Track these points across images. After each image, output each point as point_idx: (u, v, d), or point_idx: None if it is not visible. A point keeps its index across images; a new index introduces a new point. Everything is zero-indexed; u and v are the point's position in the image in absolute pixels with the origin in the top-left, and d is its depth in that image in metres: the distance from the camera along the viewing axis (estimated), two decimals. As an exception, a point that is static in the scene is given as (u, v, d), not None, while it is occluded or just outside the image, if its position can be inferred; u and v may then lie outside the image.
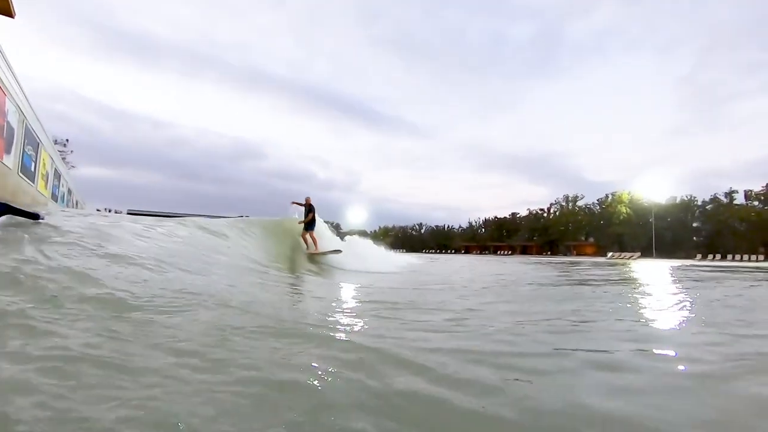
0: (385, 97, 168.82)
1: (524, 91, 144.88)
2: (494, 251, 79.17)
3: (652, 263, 32.54)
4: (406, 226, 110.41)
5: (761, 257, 47.24)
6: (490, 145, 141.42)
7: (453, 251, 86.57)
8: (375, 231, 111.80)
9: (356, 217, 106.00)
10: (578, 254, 64.53)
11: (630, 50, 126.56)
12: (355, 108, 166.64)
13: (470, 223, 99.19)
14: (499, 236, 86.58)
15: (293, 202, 12.07)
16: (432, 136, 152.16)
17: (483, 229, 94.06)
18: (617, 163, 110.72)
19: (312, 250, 11.37)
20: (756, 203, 59.52)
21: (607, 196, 73.53)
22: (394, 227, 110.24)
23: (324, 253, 11.33)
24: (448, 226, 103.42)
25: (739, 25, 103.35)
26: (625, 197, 68.68)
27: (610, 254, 56.55)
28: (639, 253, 55.59)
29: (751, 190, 60.53)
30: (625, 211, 67.57)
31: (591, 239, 71.30)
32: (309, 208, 11.58)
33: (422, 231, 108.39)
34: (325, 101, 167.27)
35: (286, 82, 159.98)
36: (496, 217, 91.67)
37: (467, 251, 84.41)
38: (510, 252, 76.21)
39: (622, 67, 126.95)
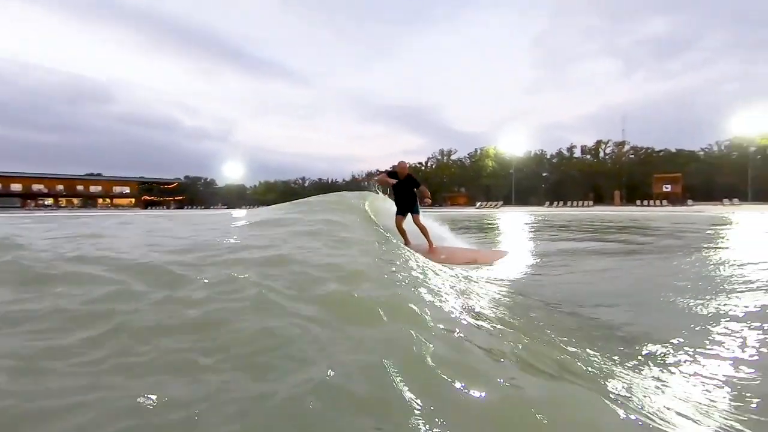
0: (260, 38, 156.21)
1: (403, 41, 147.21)
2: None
3: (511, 211, 37.10)
4: (289, 180, 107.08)
5: (590, 203, 57.22)
6: (372, 94, 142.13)
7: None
8: (255, 186, 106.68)
9: (233, 170, 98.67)
10: (452, 204, 70.41)
11: (497, 7, 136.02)
12: (225, 48, 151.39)
13: (354, 176, 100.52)
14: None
15: (375, 178, 7.64)
16: (313, 83, 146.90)
17: (367, 183, 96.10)
18: (484, 116, 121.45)
19: (420, 245, 6.56)
20: (588, 156, 71.19)
21: (476, 151, 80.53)
22: (276, 182, 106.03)
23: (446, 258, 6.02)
24: (332, 180, 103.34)
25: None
26: (491, 152, 75.97)
27: (478, 204, 63.00)
28: (502, 202, 62.91)
29: (585, 145, 71.99)
30: (491, 164, 75.03)
31: (463, 190, 78.11)
32: (408, 181, 7.01)
33: (305, 185, 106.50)
34: (189, 38, 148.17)
35: (139, 11, 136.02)
36: (378, 170, 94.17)
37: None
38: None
39: (490, 22, 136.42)
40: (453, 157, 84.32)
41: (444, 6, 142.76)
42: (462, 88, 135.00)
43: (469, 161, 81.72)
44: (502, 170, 73.08)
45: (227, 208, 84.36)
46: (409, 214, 6.94)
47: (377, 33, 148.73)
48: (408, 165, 7.41)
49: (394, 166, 7.31)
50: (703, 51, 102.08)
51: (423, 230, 6.81)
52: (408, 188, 7.02)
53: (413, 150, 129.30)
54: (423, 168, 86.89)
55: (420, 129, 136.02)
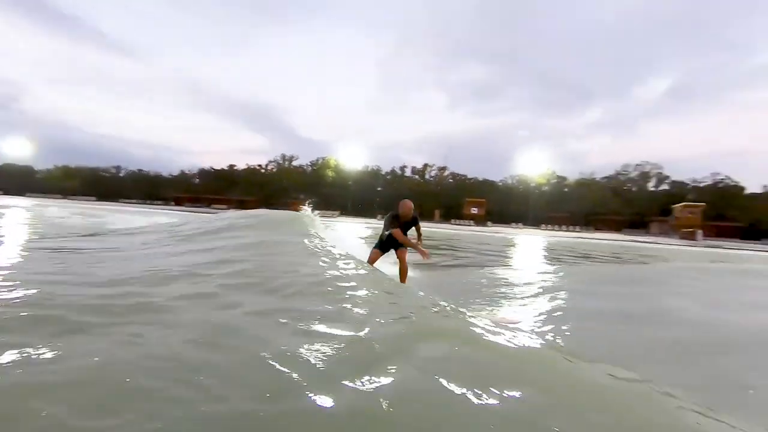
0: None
1: (254, 33, 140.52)
2: (209, 204, 75.79)
3: (347, 221, 38.74)
4: (98, 167, 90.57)
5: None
6: (213, 84, 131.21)
7: (162, 202, 77.65)
8: (49, 170, 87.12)
9: (17, 147, 78.60)
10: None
11: (348, 20, 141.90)
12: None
13: (183, 171, 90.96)
14: (216, 188, 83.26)
15: (389, 231, 5.82)
16: (140, 57, 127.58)
17: (198, 179, 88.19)
18: (329, 126, 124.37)
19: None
20: (416, 176, 79.75)
21: (318, 160, 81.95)
22: (79, 167, 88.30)
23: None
24: (156, 173, 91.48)
25: (427, 25, 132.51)
26: (332, 163, 78.34)
27: (317, 212, 63.74)
28: (339, 212, 65.11)
29: (415, 166, 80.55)
30: (331, 174, 77.24)
31: (302, 197, 78.25)
32: (411, 222, 5.99)
33: (121, 174, 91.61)
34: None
35: None
36: (213, 168, 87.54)
37: (178, 203, 77.45)
38: (227, 206, 74.77)
39: (341, 36, 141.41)
40: (295, 162, 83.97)
41: (296, 8, 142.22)
42: (310, 95, 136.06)
43: (310, 168, 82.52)
44: (341, 181, 75.89)
45: (3, 194, 66.55)
46: (392, 249, 5.90)
47: (225, 18, 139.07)
48: (234, 167, 6.94)
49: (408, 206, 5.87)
50: (508, 99, 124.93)
51: (404, 268, 5.63)
52: (405, 228, 5.92)
53: (253, 150, 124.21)
54: (262, 170, 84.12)
55: (263, 129, 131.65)
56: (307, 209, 9.04)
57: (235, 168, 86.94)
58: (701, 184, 63.42)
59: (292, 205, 74.41)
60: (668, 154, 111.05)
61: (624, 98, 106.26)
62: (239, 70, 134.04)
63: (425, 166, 79.27)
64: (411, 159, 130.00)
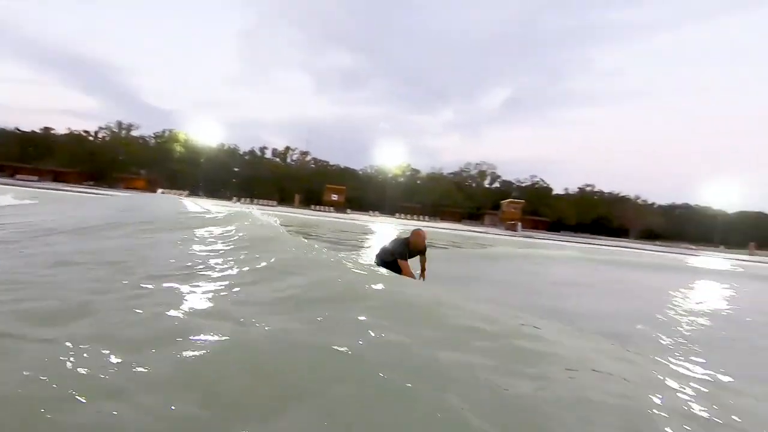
0: None
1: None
2: (13, 174, 61.08)
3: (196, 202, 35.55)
4: None
5: (275, 203, 61.95)
6: (20, 19, 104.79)
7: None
8: None
9: None
10: (127, 188, 60.74)
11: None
12: None
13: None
14: (22, 155, 67.31)
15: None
16: None
17: (-4, 143, 70.01)
18: (181, 95, 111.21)
19: None
20: (278, 159, 77.09)
21: (164, 132, 72.76)
22: None
23: None
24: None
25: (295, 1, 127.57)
26: (182, 137, 70.47)
27: (160, 191, 56.88)
28: (188, 192, 59.14)
29: (276, 148, 77.65)
30: (180, 149, 69.46)
31: (143, 172, 68.81)
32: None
33: None
34: None
35: None
36: (18, 129, 70.43)
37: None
38: (38, 177, 61.19)
39: None
40: (135, 132, 73.08)
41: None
42: (161, 57, 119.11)
43: (154, 141, 72.84)
44: (192, 158, 68.89)
45: None
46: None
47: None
48: (52, 131, 5.80)
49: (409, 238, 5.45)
50: (372, 91, 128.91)
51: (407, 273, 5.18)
52: (412, 256, 5.49)
53: (80, 112, 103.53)
54: (91, 138, 71.16)
55: (94, 89, 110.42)
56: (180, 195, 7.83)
57: (53, 132, 71.52)
58: (523, 184, 75.45)
59: (130, 181, 64.95)
60: (502, 156, 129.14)
61: (473, 103, 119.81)
62: (72, 14, 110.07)
63: (287, 149, 77.13)
64: (273, 140, 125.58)
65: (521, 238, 41.03)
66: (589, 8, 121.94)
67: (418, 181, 74.89)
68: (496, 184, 76.39)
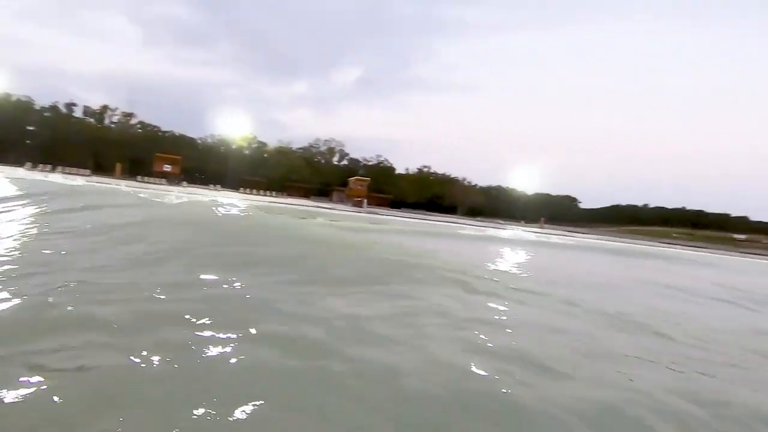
0: None
1: None
2: None
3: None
4: None
5: (88, 171, 52.09)
6: None
7: None
8: None
9: None
10: None
11: None
12: None
13: None
14: None
15: None
16: None
17: None
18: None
19: None
20: (92, 120, 64.61)
21: None
22: None
23: None
24: None
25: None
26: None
27: None
28: (-46, 153, 45.50)
29: (90, 107, 64.84)
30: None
31: None
32: None
33: None
34: None
35: None
36: None
37: None
38: None
39: None
40: None
41: None
42: None
43: None
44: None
45: None
46: None
47: None
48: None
49: None
50: (217, 53, 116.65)
51: None
52: None
53: None
54: None
55: None
56: None
57: None
58: (369, 163, 79.02)
59: None
60: (355, 134, 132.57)
61: (326, 78, 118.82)
62: None
63: (105, 108, 65.06)
64: (85, 97, 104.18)
65: (366, 214, 43.17)
66: (434, 2, 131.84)
67: (265, 155, 71.79)
68: (345, 162, 78.27)
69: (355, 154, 79.31)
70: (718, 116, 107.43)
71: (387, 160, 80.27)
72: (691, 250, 36.17)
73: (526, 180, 76.94)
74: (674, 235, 64.16)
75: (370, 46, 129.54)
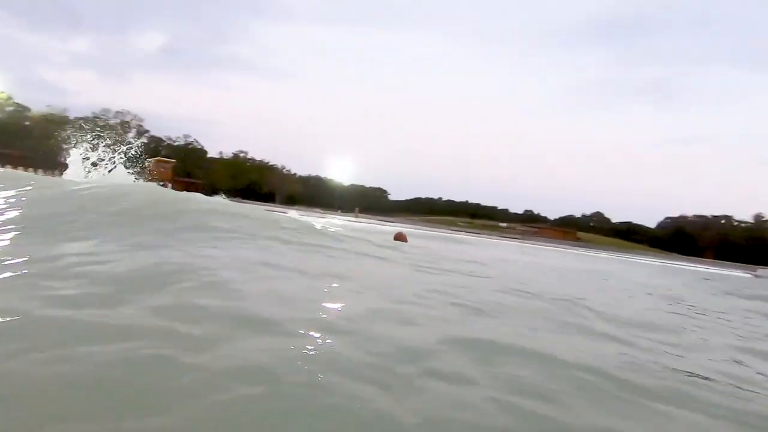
0: None
1: None
2: None
3: None
4: None
5: None
6: None
7: None
8: None
9: None
10: None
11: None
12: None
13: None
14: None
15: None
16: None
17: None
18: None
19: None
20: None
21: None
22: None
23: None
24: None
25: None
26: None
27: None
28: None
29: None
30: None
31: None
32: None
33: None
34: None
35: None
36: None
37: None
38: None
39: None
40: None
41: None
42: None
43: None
44: None
45: None
46: None
47: None
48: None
49: None
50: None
51: None
52: None
53: None
54: None
55: None
56: None
57: None
58: (175, 143, 70.43)
59: None
60: (155, 109, 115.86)
61: (120, 38, 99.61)
62: None
63: None
64: None
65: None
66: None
67: (27, 122, 56.64)
68: (143, 140, 67.74)
69: (158, 132, 69.59)
70: (489, 124, 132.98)
71: (197, 141, 73.02)
72: (469, 235, 43.83)
73: (342, 171, 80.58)
74: (459, 223, 76.80)
75: (177, 12, 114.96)
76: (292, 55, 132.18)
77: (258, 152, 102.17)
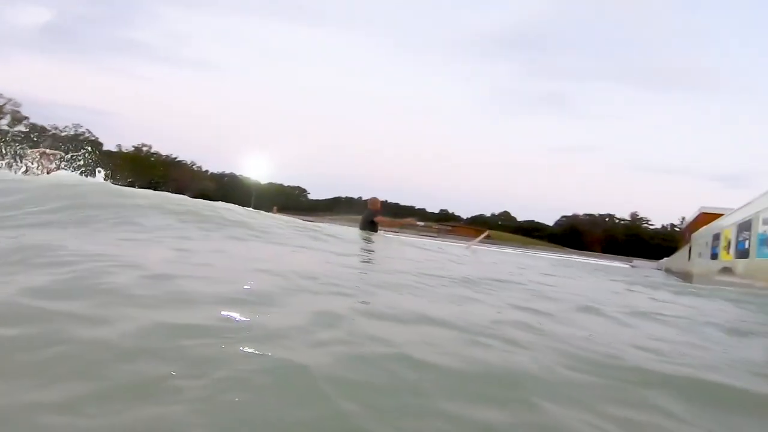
0: None
1: None
2: None
3: None
4: None
5: None
6: None
7: None
8: None
9: None
10: None
11: None
12: None
13: None
14: None
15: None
16: None
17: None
18: None
19: None
20: None
21: None
22: None
23: None
24: None
25: None
26: None
27: None
28: None
29: None
30: None
31: None
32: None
33: None
34: None
35: None
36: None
37: None
38: None
39: None
40: None
41: None
42: None
43: None
44: None
45: None
46: None
47: None
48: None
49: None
50: None
51: None
52: None
53: None
54: None
55: None
56: None
57: None
58: (62, 133, 62.33)
59: None
60: (37, 95, 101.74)
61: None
62: None
63: None
64: None
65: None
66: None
67: None
68: (22, 128, 59.09)
69: (39, 120, 61.05)
70: (409, 127, 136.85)
71: (89, 132, 65.43)
72: (390, 233, 44.52)
73: (260, 169, 77.45)
74: (379, 222, 78.11)
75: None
76: (206, 45, 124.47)
77: (165, 147, 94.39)
